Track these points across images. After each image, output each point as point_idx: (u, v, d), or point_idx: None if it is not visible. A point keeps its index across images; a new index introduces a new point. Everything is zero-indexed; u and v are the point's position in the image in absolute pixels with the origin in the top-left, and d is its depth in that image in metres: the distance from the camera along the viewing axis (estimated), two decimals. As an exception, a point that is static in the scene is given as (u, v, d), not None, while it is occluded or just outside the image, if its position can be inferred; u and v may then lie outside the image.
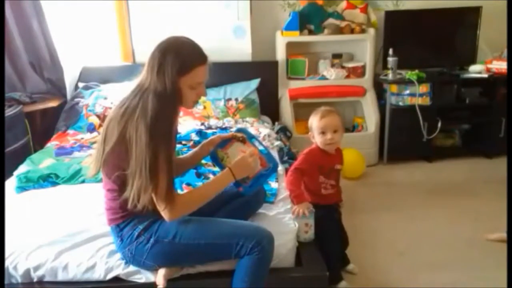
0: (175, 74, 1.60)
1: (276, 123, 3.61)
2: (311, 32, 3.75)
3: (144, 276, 1.71)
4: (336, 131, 2.10)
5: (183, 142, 2.98)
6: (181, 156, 2.07)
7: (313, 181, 2.16)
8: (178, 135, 3.07)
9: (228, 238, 1.64)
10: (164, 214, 1.61)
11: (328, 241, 2.05)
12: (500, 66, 3.70)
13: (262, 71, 3.72)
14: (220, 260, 1.71)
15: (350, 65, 3.83)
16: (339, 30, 3.71)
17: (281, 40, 3.70)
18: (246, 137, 1.92)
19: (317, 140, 2.14)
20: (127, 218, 1.69)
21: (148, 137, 1.53)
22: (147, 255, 1.66)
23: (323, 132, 2.10)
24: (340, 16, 3.73)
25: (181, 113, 3.35)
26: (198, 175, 2.42)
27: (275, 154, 2.85)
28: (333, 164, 2.19)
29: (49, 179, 2.44)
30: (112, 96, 3.40)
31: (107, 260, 1.74)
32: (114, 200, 1.69)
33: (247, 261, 1.62)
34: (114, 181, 1.64)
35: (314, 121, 2.13)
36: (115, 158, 1.61)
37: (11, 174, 2.51)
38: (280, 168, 2.59)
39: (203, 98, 3.46)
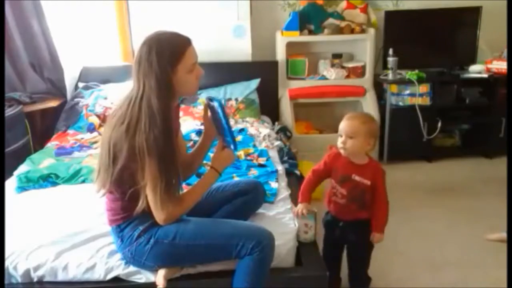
0: (169, 66, 1.58)
1: (276, 123, 3.61)
2: (311, 32, 3.75)
3: (144, 276, 1.71)
4: (352, 137, 1.90)
5: (183, 142, 2.98)
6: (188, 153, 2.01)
7: (330, 186, 2.04)
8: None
9: (229, 239, 1.64)
10: (163, 216, 1.62)
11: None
12: (500, 66, 3.70)
13: (262, 71, 3.72)
14: (221, 261, 1.71)
15: (350, 65, 3.83)
16: (339, 30, 3.71)
17: (281, 40, 3.69)
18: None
19: None
20: (127, 219, 1.69)
21: (164, 139, 1.55)
22: (147, 256, 1.66)
23: (340, 135, 1.94)
24: (340, 16, 3.73)
25: (181, 113, 3.39)
26: (198, 175, 2.42)
27: (275, 154, 2.85)
28: (349, 173, 1.96)
29: (49, 179, 2.44)
30: (112, 96, 3.40)
31: (107, 260, 1.74)
32: (115, 201, 1.69)
33: (247, 261, 1.62)
34: (123, 191, 1.63)
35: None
36: (128, 173, 1.59)
37: (11, 174, 2.51)
38: (280, 168, 2.60)
39: (203, 98, 3.51)
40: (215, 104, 1.72)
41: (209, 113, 1.80)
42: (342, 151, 1.95)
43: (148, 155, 1.53)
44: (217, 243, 1.65)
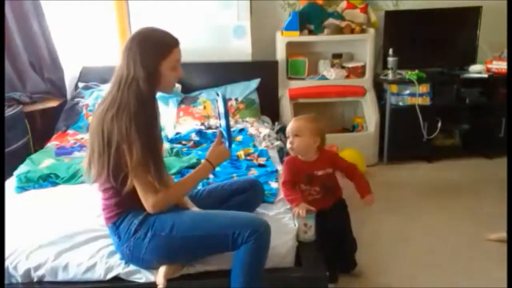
0: (158, 59, 1.67)
1: (276, 123, 3.61)
2: (311, 32, 3.74)
3: (144, 276, 1.71)
4: (297, 135, 2.05)
5: (183, 142, 2.98)
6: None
7: (301, 186, 2.14)
8: (178, 135, 3.09)
9: (224, 228, 1.65)
10: (150, 201, 1.65)
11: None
12: (500, 66, 3.70)
13: (262, 71, 3.72)
14: (219, 252, 1.70)
15: (350, 65, 3.83)
16: (339, 30, 3.71)
17: (281, 40, 3.69)
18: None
19: None
20: (121, 215, 1.70)
21: (150, 123, 1.64)
22: (145, 250, 1.67)
23: (288, 136, 2.09)
24: (340, 16, 3.73)
25: (181, 113, 3.39)
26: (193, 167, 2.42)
27: (275, 154, 2.85)
28: (311, 171, 2.11)
29: (49, 179, 2.44)
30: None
31: (107, 260, 1.74)
32: (110, 198, 1.71)
33: (244, 250, 1.62)
34: (115, 180, 1.64)
35: None
36: (120, 158, 1.61)
37: (11, 174, 2.50)
38: (280, 168, 2.59)
39: (203, 98, 3.51)
40: (220, 97, 1.80)
41: (217, 106, 1.87)
42: (291, 152, 2.09)
43: (136, 137, 1.57)
44: (213, 233, 1.66)
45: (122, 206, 1.70)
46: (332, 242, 2.12)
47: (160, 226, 1.66)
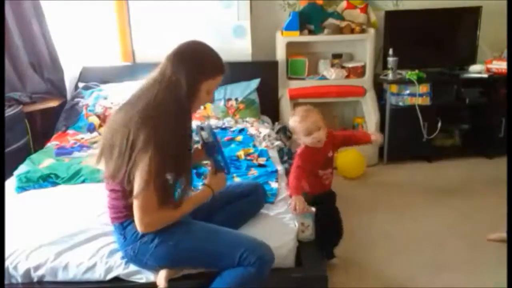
0: (201, 77, 1.65)
1: (276, 123, 3.61)
2: (311, 32, 3.75)
3: (144, 276, 1.71)
4: (319, 128, 2.13)
5: (183, 142, 2.98)
6: None
7: (314, 177, 2.19)
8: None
9: (233, 248, 1.64)
10: (147, 219, 1.60)
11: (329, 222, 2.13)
12: (500, 66, 3.70)
13: (262, 71, 3.72)
14: (221, 268, 1.69)
15: (350, 65, 3.83)
16: (339, 30, 3.71)
17: (281, 40, 3.69)
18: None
19: (305, 141, 2.16)
20: (130, 217, 1.67)
21: (180, 133, 1.64)
22: (150, 255, 1.66)
23: (309, 133, 2.13)
24: (340, 16, 3.73)
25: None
26: (198, 175, 2.42)
27: (275, 154, 2.85)
28: (325, 155, 2.22)
29: (49, 179, 2.44)
30: (112, 96, 3.40)
31: (107, 260, 1.74)
32: (118, 199, 1.69)
33: (243, 269, 1.62)
34: (128, 182, 1.60)
35: (297, 125, 2.16)
36: (138, 164, 1.56)
37: (11, 174, 2.51)
38: (280, 168, 2.60)
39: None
40: (207, 132, 1.80)
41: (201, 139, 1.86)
42: (319, 144, 2.15)
43: (158, 149, 1.53)
44: (220, 250, 1.65)
45: (131, 210, 1.63)
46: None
47: (168, 234, 1.65)
